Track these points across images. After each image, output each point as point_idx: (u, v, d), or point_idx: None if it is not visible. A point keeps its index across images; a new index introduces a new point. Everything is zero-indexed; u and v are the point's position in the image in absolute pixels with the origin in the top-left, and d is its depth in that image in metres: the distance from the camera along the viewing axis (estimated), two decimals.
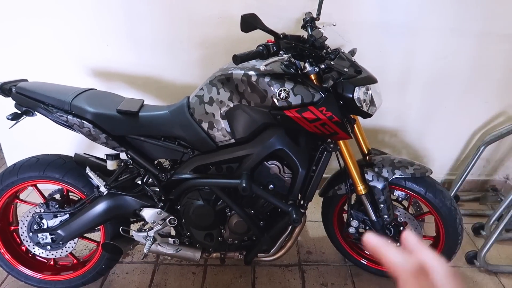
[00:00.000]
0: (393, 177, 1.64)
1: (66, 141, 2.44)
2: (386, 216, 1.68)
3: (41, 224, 1.71)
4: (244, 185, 1.46)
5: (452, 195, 2.39)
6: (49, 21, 2.13)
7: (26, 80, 1.69)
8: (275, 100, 1.41)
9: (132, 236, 1.70)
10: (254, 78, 1.42)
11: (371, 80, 1.49)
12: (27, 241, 1.76)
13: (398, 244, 1.80)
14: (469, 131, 2.48)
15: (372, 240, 0.42)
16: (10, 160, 2.57)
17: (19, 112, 1.59)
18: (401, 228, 1.76)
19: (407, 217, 1.73)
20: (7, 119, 1.54)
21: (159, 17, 2.11)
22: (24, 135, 2.45)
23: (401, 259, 0.39)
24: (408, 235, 0.44)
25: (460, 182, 2.36)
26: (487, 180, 2.68)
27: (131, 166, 1.62)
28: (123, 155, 1.64)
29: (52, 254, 1.78)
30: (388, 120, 2.41)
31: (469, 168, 2.32)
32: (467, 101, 2.36)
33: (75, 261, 1.91)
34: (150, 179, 1.64)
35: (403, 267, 0.39)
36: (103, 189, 1.58)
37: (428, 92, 2.33)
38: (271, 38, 1.43)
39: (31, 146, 2.46)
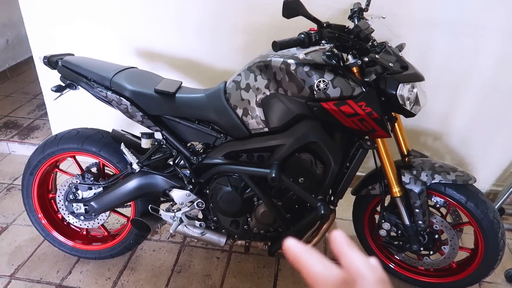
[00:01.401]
0: (432, 181, 1.55)
1: (111, 116, 2.52)
2: (420, 222, 1.59)
3: (77, 194, 1.78)
4: (273, 175, 1.44)
5: (496, 207, 2.24)
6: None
7: (73, 55, 1.74)
8: (313, 91, 1.37)
9: (160, 215, 1.73)
10: (293, 67, 1.38)
11: (417, 77, 1.41)
12: (62, 209, 1.84)
13: (431, 252, 1.71)
14: None
15: (293, 247, 0.35)
16: (56, 131, 2.70)
17: (63, 85, 1.64)
18: (436, 236, 1.67)
19: (443, 225, 1.64)
20: (51, 90, 1.60)
21: (205, 1, 2.11)
22: (70, 108, 2.55)
23: (323, 270, 0.32)
24: (337, 236, 0.36)
25: (507, 195, 2.20)
26: None
27: (164, 146, 1.64)
28: (157, 135, 1.66)
29: (85, 224, 1.85)
30: (433, 121, 2.28)
31: None
32: None
33: (106, 233, 1.97)
34: (182, 161, 1.65)
35: (324, 281, 0.32)
36: (135, 166, 1.61)
37: (481, 96, 2.17)
38: (315, 26, 1.38)
39: (76, 118, 2.57)
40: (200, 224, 1.71)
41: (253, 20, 2.12)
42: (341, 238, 0.35)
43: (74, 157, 1.82)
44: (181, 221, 1.69)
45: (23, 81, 3.86)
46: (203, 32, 2.20)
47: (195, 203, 1.65)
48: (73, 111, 2.56)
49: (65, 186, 1.79)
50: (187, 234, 1.73)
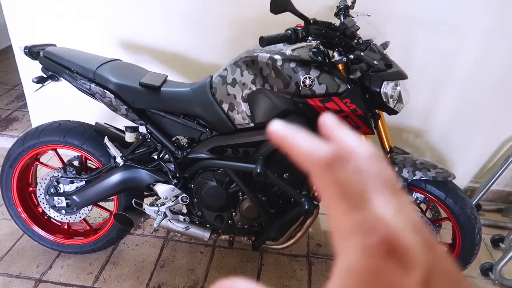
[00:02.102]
0: (413, 178, 1.58)
1: (93, 109, 2.47)
2: None
3: (58, 188, 1.75)
4: (258, 170, 1.44)
5: (473, 203, 2.31)
6: None
7: (55, 45, 1.71)
8: (299, 87, 1.38)
9: (144, 209, 1.71)
10: (279, 63, 1.38)
11: (401, 75, 1.44)
12: (43, 203, 1.80)
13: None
14: (500, 139, 2.37)
15: (278, 129, 0.30)
16: (36, 123, 2.64)
17: (45, 76, 1.61)
18: None
19: (423, 221, 1.67)
20: (33, 81, 1.57)
21: None
22: (50, 100, 2.49)
23: (313, 146, 0.28)
24: (326, 118, 0.32)
25: (483, 191, 2.27)
26: None
27: (148, 140, 1.63)
28: (142, 129, 1.64)
29: (66, 219, 1.83)
30: (415, 119, 2.33)
31: (495, 178, 2.23)
32: (502, 108, 2.25)
33: (87, 227, 1.95)
34: (166, 155, 1.64)
35: (314, 157, 0.27)
36: (119, 160, 1.60)
37: (461, 94, 2.23)
38: (301, 23, 1.39)
39: (57, 111, 2.51)
40: (184, 219, 1.71)
41: (240, 14, 2.11)
42: (331, 120, 0.32)
43: (55, 150, 1.79)
44: (165, 215, 1.69)
45: (1, 71, 3.76)
46: (189, 25, 2.18)
47: (179, 198, 1.65)
48: (54, 103, 2.50)
49: (46, 179, 1.76)
50: (171, 229, 1.73)
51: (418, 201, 1.72)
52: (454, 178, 1.59)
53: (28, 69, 2.39)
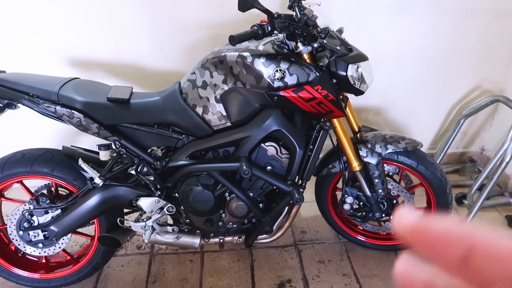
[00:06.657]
0: (386, 152, 1.68)
1: (48, 134, 2.34)
2: (380, 191, 1.72)
3: (32, 221, 1.64)
4: (244, 167, 1.46)
5: None
6: (21, 8, 2.01)
7: (4, 71, 1.60)
8: (271, 81, 1.41)
9: (130, 227, 1.66)
10: (249, 59, 1.40)
11: (363, 57, 1.52)
12: (16, 240, 1.69)
13: (391, 217, 1.85)
14: (448, 106, 2.57)
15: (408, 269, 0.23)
16: None
17: (1, 105, 1.50)
18: (394, 201, 1.81)
19: (399, 190, 1.78)
20: None
21: (138, 2, 2.04)
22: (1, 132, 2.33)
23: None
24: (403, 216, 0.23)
25: (442, 155, 2.45)
26: (464, 152, 2.79)
27: (124, 155, 1.58)
28: (114, 145, 1.59)
29: (45, 252, 1.72)
30: (372, 98, 2.45)
31: (450, 141, 2.41)
32: (446, 77, 2.44)
33: (68, 257, 1.85)
34: (145, 168, 1.60)
35: None
36: (98, 180, 1.53)
37: (408, 69, 2.39)
38: (259, 19, 1.42)
39: (9, 142, 2.34)
40: (172, 229, 1.68)
41: (191, 18, 2.10)
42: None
43: (21, 182, 1.68)
44: (153, 229, 1.65)
45: None
46: (139, 34, 2.13)
47: (165, 209, 1.62)
48: (5, 134, 2.34)
49: (16, 214, 1.65)
50: (160, 242, 1.69)
51: (391, 173, 1.83)
52: (422, 146, 1.71)
53: None
